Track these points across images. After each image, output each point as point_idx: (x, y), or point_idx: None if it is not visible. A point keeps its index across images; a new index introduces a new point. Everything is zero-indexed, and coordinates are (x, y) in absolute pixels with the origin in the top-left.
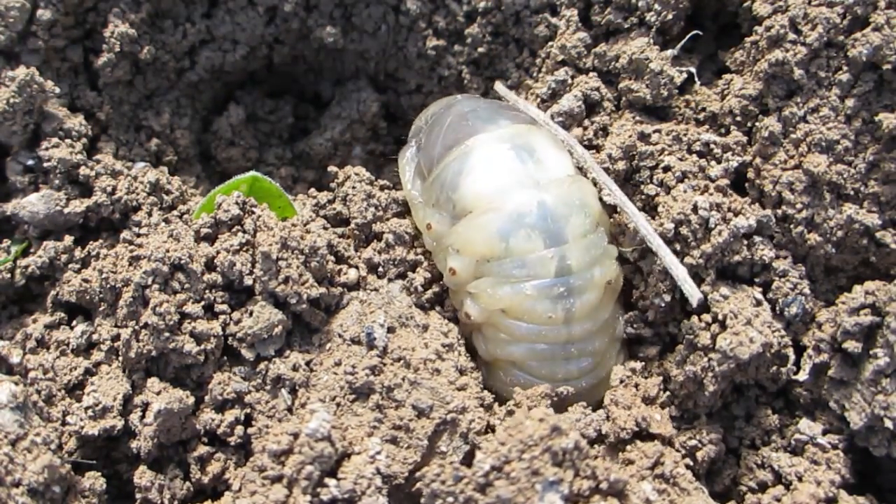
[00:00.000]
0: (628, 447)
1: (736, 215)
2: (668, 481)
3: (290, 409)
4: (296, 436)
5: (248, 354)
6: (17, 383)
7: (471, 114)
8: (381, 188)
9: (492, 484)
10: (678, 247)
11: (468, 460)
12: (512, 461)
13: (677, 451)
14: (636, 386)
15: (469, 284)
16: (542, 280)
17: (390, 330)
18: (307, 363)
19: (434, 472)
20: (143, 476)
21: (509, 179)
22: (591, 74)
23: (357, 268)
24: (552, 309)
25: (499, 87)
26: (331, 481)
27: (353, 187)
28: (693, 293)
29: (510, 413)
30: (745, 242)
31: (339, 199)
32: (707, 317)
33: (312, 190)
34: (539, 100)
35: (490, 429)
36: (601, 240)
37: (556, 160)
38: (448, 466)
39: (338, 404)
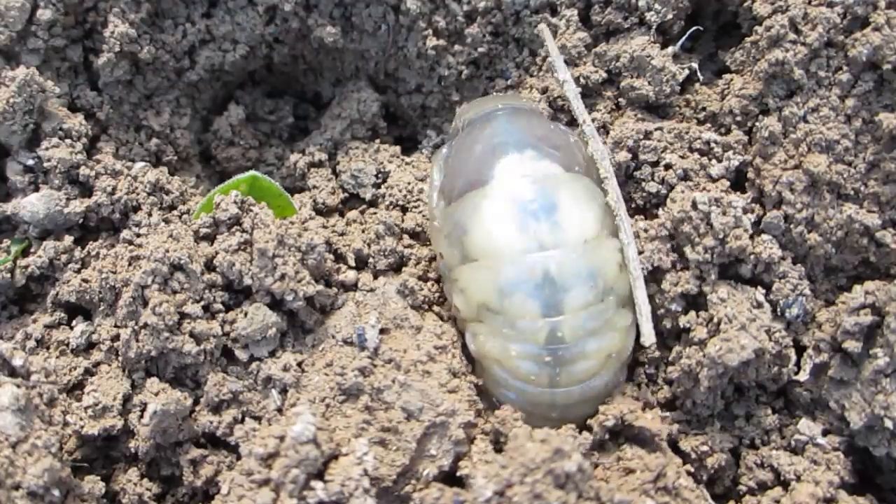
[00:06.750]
0: (628, 454)
1: (739, 213)
2: (671, 493)
3: (280, 410)
4: (282, 438)
5: (241, 355)
6: (19, 386)
7: (499, 147)
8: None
9: None
10: (680, 243)
11: (457, 464)
12: (514, 485)
13: (678, 456)
14: (637, 386)
15: (470, 324)
16: (529, 345)
17: (383, 331)
18: (299, 364)
19: (433, 497)
20: (136, 477)
21: (520, 238)
22: (588, 67)
23: (357, 269)
24: (536, 372)
25: (544, 32)
26: (317, 484)
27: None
28: (649, 335)
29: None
30: (751, 241)
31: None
32: (704, 315)
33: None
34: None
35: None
36: (605, 311)
37: (577, 220)
38: (448, 491)
39: (327, 405)
